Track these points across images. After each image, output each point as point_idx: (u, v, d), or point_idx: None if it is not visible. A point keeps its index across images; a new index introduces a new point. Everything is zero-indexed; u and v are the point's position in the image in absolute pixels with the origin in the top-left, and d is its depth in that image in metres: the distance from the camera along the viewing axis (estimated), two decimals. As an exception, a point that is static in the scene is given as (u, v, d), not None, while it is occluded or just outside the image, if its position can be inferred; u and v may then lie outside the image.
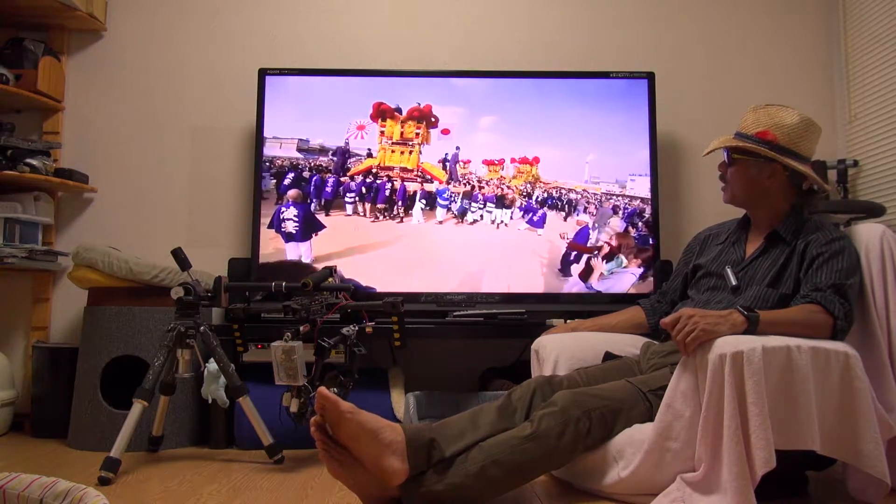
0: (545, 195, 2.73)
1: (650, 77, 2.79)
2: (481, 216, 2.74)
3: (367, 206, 2.69)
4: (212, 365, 2.27)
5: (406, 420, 2.37)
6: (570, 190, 2.74)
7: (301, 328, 2.04)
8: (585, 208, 2.74)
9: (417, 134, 2.71)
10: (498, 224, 2.72)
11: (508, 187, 2.72)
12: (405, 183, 2.73)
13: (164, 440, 2.28)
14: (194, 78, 2.97)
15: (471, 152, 2.78)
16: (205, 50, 2.98)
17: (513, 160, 2.78)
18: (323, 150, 2.61)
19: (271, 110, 2.73)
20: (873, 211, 2.57)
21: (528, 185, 2.74)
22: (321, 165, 2.65)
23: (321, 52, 2.96)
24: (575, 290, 2.70)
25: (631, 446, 1.64)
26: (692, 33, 3.05)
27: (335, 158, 2.65)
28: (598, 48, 3.01)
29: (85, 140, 2.92)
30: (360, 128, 2.62)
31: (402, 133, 2.71)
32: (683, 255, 2.18)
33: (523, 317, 2.63)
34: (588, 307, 2.63)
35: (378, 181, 2.69)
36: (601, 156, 2.78)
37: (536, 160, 2.77)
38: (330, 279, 2.19)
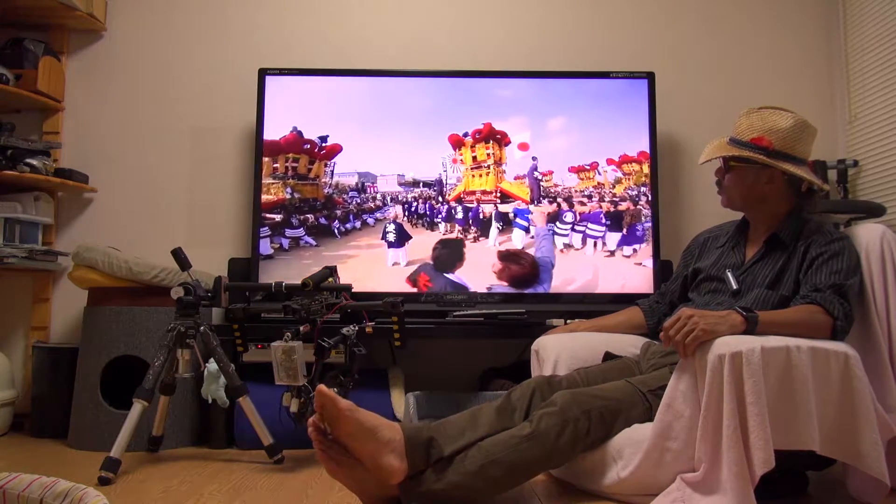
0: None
1: (650, 77, 2.80)
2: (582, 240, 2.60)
3: (450, 226, 2.77)
4: (212, 365, 2.27)
5: (406, 420, 2.37)
6: None
7: (301, 328, 2.05)
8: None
9: (489, 155, 2.73)
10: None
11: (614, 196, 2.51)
12: (481, 206, 2.75)
13: (164, 440, 2.28)
14: (194, 78, 2.97)
15: (550, 162, 2.71)
16: (205, 50, 2.98)
17: (609, 161, 2.64)
18: (415, 183, 2.76)
19: (271, 111, 2.73)
20: (873, 211, 2.57)
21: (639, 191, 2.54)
22: (420, 194, 2.78)
23: (322, 52, 2.95)
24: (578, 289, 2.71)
25: (630, 446, 1.64)
26: (694, 33, 3.05)
27: (432, 189, 2.76)
28: (599, 48, 3.01)
29: (85, 140, 2.92)
30: (454, 161, 2.74)
31: (474, 157, 2.76)
32: (683, 257, 2.18)
33: (523, 317, 2.62)
34: (588, 307, 2.62)
35: (460, 205, 2.76)
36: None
37: (644, 155, 2.67)
38: (330, 279, 2.19)
